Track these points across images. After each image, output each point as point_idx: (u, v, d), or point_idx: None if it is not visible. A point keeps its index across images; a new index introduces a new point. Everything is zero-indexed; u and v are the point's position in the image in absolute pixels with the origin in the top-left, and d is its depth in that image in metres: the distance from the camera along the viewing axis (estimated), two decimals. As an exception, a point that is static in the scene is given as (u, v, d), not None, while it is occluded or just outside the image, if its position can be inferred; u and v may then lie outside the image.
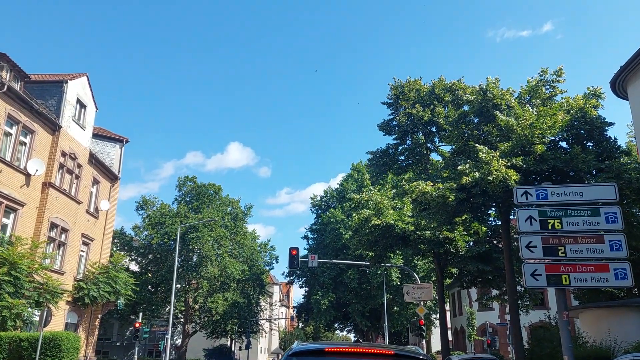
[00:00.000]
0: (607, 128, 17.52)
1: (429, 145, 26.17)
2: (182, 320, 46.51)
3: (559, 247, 8.75)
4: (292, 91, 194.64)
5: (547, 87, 18.84)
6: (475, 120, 19.26)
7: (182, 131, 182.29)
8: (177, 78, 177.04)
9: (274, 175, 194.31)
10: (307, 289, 47.50)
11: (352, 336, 61.97)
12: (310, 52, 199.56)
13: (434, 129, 25.43)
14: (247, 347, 49.51)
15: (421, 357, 3.91)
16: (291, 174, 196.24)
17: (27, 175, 20.75)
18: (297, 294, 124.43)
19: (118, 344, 46.78)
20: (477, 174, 15.66)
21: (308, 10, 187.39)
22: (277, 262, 55.25)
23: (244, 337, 51.44)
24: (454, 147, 20.57)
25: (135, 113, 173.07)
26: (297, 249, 26.98)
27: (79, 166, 24.80)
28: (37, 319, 18.69)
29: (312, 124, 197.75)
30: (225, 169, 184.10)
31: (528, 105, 18.10)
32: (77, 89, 24.62)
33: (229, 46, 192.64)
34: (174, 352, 47.18)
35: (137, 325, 28.55)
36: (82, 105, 25.31)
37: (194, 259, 43.45)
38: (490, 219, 24.69)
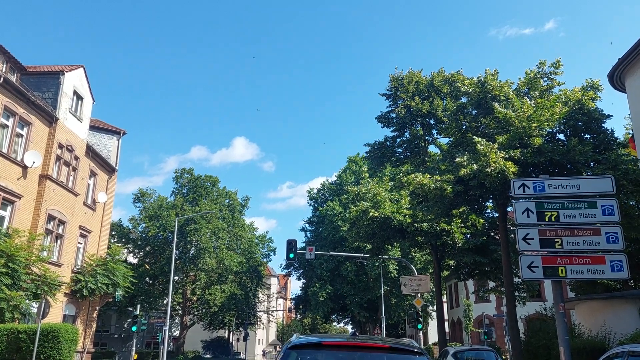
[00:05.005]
0: (604, 120, 17.51)
1: (427, 137, 26.13)
2: (180, 312, 46.65)
3: (556, 240, 8.78)
4: (295, 87, 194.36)
5: (545, 79, 18.79)
6: (474, 113, 19.23)
7: (187, 126, 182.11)
8: (182, 73, 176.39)
9: (277, 170, 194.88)
10: (304, 281, 47.63)
11: (349, 328, 62.28)
12: (314, 47, 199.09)
13: (432, 122, 25.38)
14: (245, 339, 49.71)
15: (416, 349, 4.02)
16: (294, 168, 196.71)
17: (24, 168, 20.68)
18: (295, 285, 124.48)
19: (116, 335, 46.95)
20: (474, 166, 15.65)
21: (312, 5, 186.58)
22: (274, 254, 55.55)
23: (241, 329, 51.66)
24: (451, 139, 20.54)
25: (141, 108, 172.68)
26: (295, 240, 27.02)
27: (76, 158, 24.73)
28: (35, 311, 18.71)
29: (314, 118, 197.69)
30: (230, 164, 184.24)
31: (526, 97, 18.07)
32: (73, 80, 24.48)
33: (235, 41, 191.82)
34: (172, 344, 47.33)
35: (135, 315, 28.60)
36: (79, 97, 25.19)
37: (192, 251, 43.52)
38: (487, 211, 24.75)
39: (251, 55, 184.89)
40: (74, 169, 24.61)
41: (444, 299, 39.36)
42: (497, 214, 21.54)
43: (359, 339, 4.26)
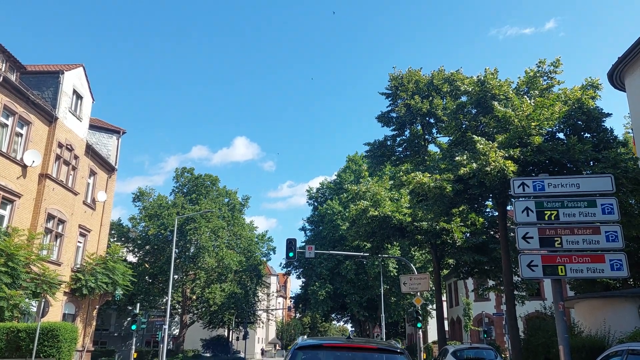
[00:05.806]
0: (604, 119, 17.46)
1: (427, 136, 26.10)
2: (179, 310, 46.66)
3: (556, 238, 8.79)
4: (296, 86, 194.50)
5: (545, 78, 18.76)
6: (473, 112, 19.20)
7: (188, 126, 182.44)
8: (183, 72, 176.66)
9: (278, 170, 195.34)
10: (304, 279, 47.65)
11: (349, 327, 62.35)
12: (314, 47, 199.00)
13: (432, 121, 25.34)
14: (245, 338, 49.76)
15: (398, 350, 4.93)
16: (294, 168, 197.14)
17: (24, 167, 20.67)
18: (295, 284, 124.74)
19: (116, 334, 46.96)
20: (474, 165, 15.63)
21: (312, 4, 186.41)
22: (274, 253, 55.64)
23: (241, 328, 51.73)
24: (451, 138, 20.51)
25: (141, 107, 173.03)
26: (295, 239, 26.99)
27: (76, 157, 24.72)
28: (34, 309, 18.70)
29: (315, 118, 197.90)
30: (231, 163, 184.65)
31: (526, 96, 18.04)
32: (73, 79, 24.46)
33: (235, 40, 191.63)
34: (171, 343, 47.35)
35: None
36: (79, 96, 25.17)
37: (192, 250, 43.52)
38: (487, 210, 24.72)
39: (254, 52, 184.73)
40: (74, 168, 24.60)
41: (444, 298, 39.38)
42: (496, 213, 21.52)
43: (353, 341, 5.21)
